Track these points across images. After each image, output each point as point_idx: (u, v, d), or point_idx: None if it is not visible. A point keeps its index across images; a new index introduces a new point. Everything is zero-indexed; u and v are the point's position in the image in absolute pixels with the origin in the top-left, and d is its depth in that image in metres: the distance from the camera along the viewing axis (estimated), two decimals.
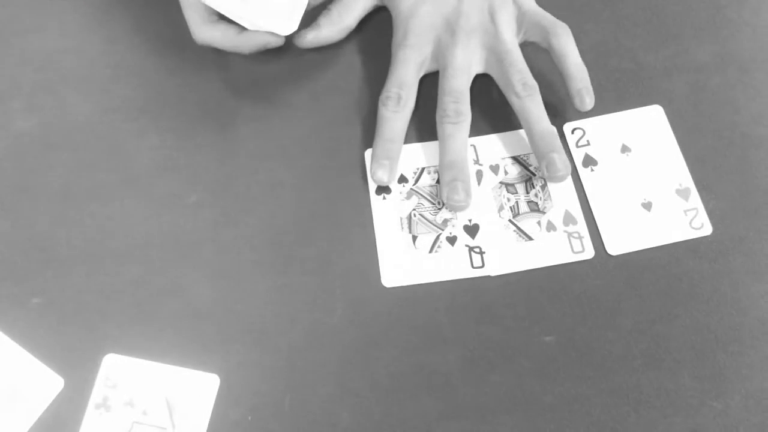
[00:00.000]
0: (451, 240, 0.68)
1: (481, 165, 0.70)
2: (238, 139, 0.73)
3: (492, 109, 0.73)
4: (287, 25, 0.70)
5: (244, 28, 0.72)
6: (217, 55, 0.76)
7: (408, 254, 0.67)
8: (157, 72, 0.77)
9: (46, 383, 0.62)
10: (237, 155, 0.72)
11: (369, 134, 0.72)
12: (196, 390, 0.62)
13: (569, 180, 0.70)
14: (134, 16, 0.79)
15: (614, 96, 0.74)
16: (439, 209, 0.69)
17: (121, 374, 0.62)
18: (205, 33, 0.73)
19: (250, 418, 0.62)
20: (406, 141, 0.72)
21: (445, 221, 0.68)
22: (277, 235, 0.69)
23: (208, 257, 0.68)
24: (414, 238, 0.68)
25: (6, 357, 0.63)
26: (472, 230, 0.68)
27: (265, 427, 0.62)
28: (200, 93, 0.75)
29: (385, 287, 0.66)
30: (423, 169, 0.71)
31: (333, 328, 0.65)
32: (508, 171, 0.70)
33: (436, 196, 0.70)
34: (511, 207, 0.69)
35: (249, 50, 0.73)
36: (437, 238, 0.68)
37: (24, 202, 0.70)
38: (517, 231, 0.68)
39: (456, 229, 0.68)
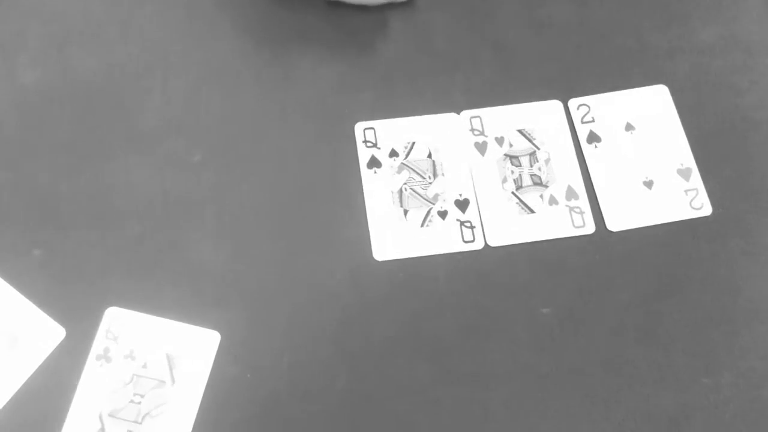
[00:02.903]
0: (442, 214, 0.68)
1: (486, 136, 0.71)
2: (241, 101, 0.73)
3: (498, 81, 0.74)
4: None
5: None
6: (223, 15, 0.76)
7: (399, 228, 0.68)
8: (163, 32, 0.77)
9: (47, 333, 0.63)
10: (241, 117, 0.72)
11: (367, 103, 0.73)
12: (197, 346, 0.63)
13: (572, 155, 0.70)
14: None
15: (619, 74, 0.74)
16: (430, 183, 0.69)
17: (122, 327, 0.63)
18: None
19: (249, 375, 0.62)
20: (398, 115, 0.72)
21: (436, 195, 0.69)
22: (279, 197, 0.69)
23: (211, 216, 0.68)
24: (405, 212, 0.68)
25: (8, 306, 0.63)
26: (462, 204, 0.69)
27: (263, 385, 0.62)
28: (205, 53, 0.75)
29: (377, 261, 0.67)
30: (414, 143, 0.71)
31: (332, 291, 0.66)
32: (512, 143, 0.71)
33: (427, 170, 0.70)
34: (514, 179, 0.69)
35: (377, 3, 0.75)
36: (428, 212, 0.68)
37: (27, 155, 0.70)
38: (520, 203, 0.68)
39: (447, 203, 0.69)
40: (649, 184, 0.69)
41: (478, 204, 0.68)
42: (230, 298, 0.65)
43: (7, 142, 0.71)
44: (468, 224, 0.68)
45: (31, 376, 0.62)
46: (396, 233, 0.67)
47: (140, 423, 0.60)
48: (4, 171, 0.69)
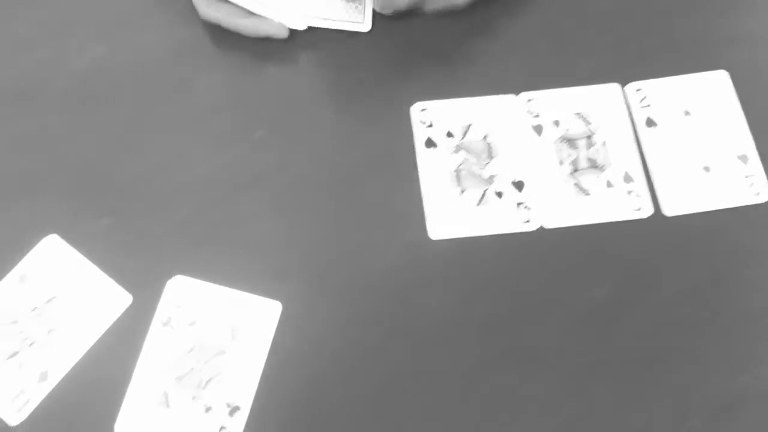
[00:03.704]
0: (498, 195, 0.69)
1: (543, 119, 0.72)
2: (300, 80, 0.75)
3: (556, 63, 0.74)
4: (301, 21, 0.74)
5: (249, 11, 0.74)
6: None
7: (455, 208, 0.69)
8: (222, 12, 0.77)
9: (114, 299, 0.65)
10: (300, 96, 0.74)
11: (424, 84, 0.74)
12: (258, 315, 0.64)
13: (630, 139, 0.71)
14: None
15: (679, 58, 0.74)
16: (486, 164, 0.70)
17: (186, 295, 0.65)
18: (210, 12, 0.74)
19: (307, 347, 0.64)
20: (455, 96, 0.73)
21: (492, 177, 0.70)
22: (336, 175, 0.70)
23: (270, 192, 0.70)
24: (461, 192, 0.69)
25: (78, 272, 0.66)
26: (518, 186, 0.69)
27: (321, 355, 0.64)
28: None
29: (431, 239, 0.68)
30: (470, 124, 0.72)
31: (388, 268, 0.67)
32: (569, 126, 0.71)
33: (483, 151, 0.71)
34: (571, 162, 0.70)
35: (252, 35, 0.75)
36: (484, 192, 0.69)
37: (95, 127, 0.72)
38: (576, 186, 0.69)
39: (503, 183, 0.69)
40: (706, 169, 0.69)
41: (534, 186, 0.69)
42: (291, 270, 0.67)
43: (77, 115, 0.73)
44: (523, 205, 0.69)
45: (98, 340, 0.64)
46: (451, 213, 0.68)
47: (203, 388, 0.62)
48: (76, 143, 0.71)
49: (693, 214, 0.68)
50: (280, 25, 0.74)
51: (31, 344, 0.63)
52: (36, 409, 0.62)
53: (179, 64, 0.75)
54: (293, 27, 0.74)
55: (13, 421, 0.61)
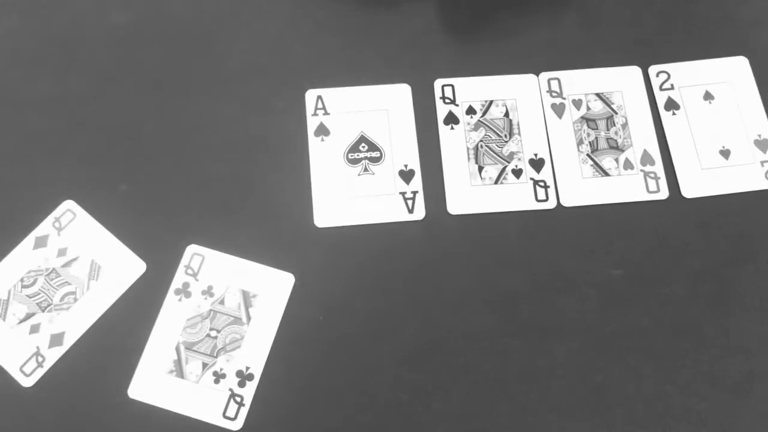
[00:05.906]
0: (517, 173, 0.69)
1: (564, 98, 0.71)
2: (325, 49, 0.74)
3: (579, 44, 0.74)
4: None
5: None
6: None
7: (474, 184, 0.69)
8: None
9: (129, 266, 0.65)
10: (324, 65, 0.73)
11: (447, 60, 0.73)
12: (272, 286, 0.64)
13: (650, 121, 0.70)
14: None
15: (700, 43, 0.74)
16: (506, 142, 0.70)
17: (201, 264, 0.65)
18: None
19: (321, 317, 0.64)
20: (477, 73, 0.73)
21: (512, 154, 0.69)
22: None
23: (292, 162, 0.69)
24: (480, 168, 0.69)
25: (93, 238, 0.66)
26: (537, 164, 0.69)
27: (335, 326, 0.64)
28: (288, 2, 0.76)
29: (449, 214, 0.68)
30: (491, 101, 0.72)
31: (406, 241, 0.67)
32: (590, 107, 0.71)
33: (503, 128, 0.71)
34: (590, 142, 0.70)
35: None
36: (503, 170, 0.69)
37: (116, 91, 0.72)
38: (594, 166, 0.69)
39: (522, 162, 0.69)
40: (725, 153, 0.69)
41: (552, 164, 0.69)
42: (305, 241, 0.66)
43: (97, 79, 0.72)
44: (542, 184, 0.68)
45: (112, 305, 0.64)
46: (470, 189, 0.68)
47: (215, 357, 0.62)
48: (94, 107, 0.71)
49: (712, 196, 0.68)
50: None
51: (44, 308, 0.63)
52: (48, 372, 0.62)
53: (205, 28, 0.75)
54: None
55: (26, 383, 0.61)
